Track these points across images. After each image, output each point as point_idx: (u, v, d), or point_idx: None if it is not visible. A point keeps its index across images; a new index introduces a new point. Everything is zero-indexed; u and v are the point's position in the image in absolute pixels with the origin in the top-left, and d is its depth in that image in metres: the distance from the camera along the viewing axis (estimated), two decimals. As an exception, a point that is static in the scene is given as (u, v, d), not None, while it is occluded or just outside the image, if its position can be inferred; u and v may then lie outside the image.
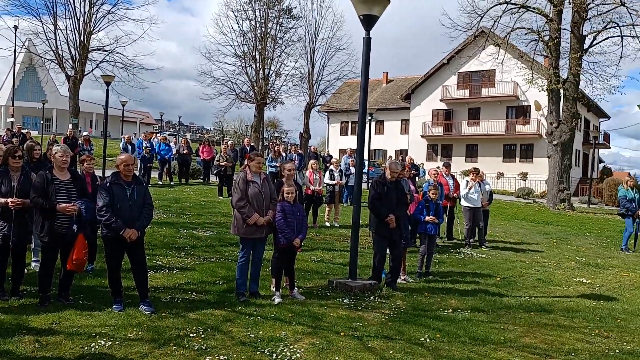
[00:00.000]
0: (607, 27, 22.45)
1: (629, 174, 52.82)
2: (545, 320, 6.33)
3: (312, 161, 13.05)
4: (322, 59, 38.86)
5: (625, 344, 5.64)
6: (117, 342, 4.70)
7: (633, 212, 12.44)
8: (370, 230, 7.65)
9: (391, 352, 4.90)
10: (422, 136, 42.90)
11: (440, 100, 42.13)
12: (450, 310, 6.49)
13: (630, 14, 21.35)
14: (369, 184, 11.71)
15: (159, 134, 26.56)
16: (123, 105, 35.22)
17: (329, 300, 6.59)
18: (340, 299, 6.62)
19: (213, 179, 20.44)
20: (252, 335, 5.09)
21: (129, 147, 18.08)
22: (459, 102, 41.43)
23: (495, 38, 24.78)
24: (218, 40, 35.96)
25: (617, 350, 5.38)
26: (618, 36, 22.57)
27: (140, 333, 4.97)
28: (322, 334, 5.28)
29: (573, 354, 5.17)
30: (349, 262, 7.40)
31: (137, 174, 8.81)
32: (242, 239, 6.46)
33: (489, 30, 24.54)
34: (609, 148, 51.66)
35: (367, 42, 7.33)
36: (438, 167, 12.34)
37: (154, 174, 19.19)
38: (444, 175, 12.15)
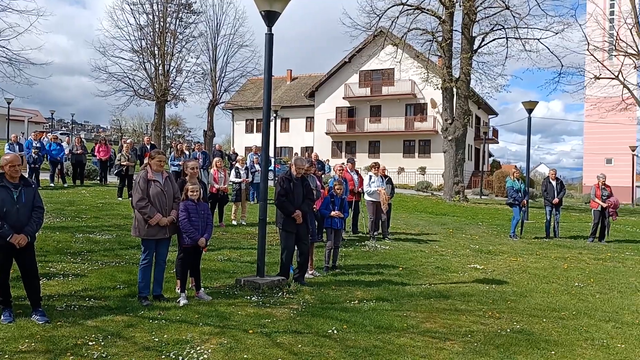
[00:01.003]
0: (494, 29, 24.08)
1: (515, 166, 57.09)
2: (443, 306, 6.68)
3: (216, 159, 12.82)
4: (224, 56, 38.21)
5: (515, 323, 6.08)
6: (6, 356, 4.35)
7: (519, 202, 13.46)
8: (277, 226, 7.66)
9: (299, 346, 4.95)
10: (327, 133, 43.64)
11: (343, 98, 43.07)
12: (357, 302, 6.66)
13: (514, 17, 23.07)
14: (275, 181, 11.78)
15: (49, 133, 24.80)
16: (9, 103, 32.62)
17: (236, 298, 6.52)
18: (249, 297, 6.58)
19: (111, 179, 19.48)
20: (157, 340, 4.91)
21: (16, 147, 16.77)
22: (361, 99, 42.61)
23: (393, 38, 25.71)
24: (113, 35, 33.99)
25: (508, 330, 5.80)
26: (503, 38, 24.30)
27: (33, 345, 4.64)
28: (230, 333, 5.22)
29: (469, 336, 5.50)
30: (257, 259, 7.36)
31: (26, 175, 8.18)
32: (143, 240, 6.21)
33: (387, 30, 25.40)
34: (498, 143, 55.52)
35: (269, 38, 7.32)
36: (343, 164, 12.60)
37: (45, 176, 17.94)
38: (349, 171, 12.43)
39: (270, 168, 25.80)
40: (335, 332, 5.38)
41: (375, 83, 42.27)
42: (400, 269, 8.97)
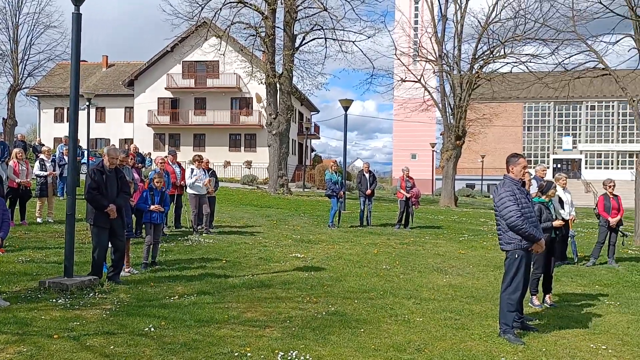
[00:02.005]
0: (314, 29, 25.14)
1: (335, 160, 60.59)
2: (265, 295, 6.83)
3: (16, 150, 11.47)
4: (28, 36, 34.16)
5: (330, 306, 6.45)
6: None
7: (337, 193, 14.30)
8: (88, 222, 7.11)
9: (112, 347, 4.66)
10: (148, 125, 41.65)
11: (165, 88, 41.46)
12: (177, 297, 6.49)
13: (331, 19, 24.33)
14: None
15: None
16: None
17: (40, 302, 5.91)
18: (54, 300, 6.00)
19: None
20: (-64, 357, 4.24)
21: None
22: (185, 91, 41.44)
23: (217, 30, 25.46)
24: None
25: (324, 313, 6.13)
26: (322, 38, 25.50)
27: None
28: (31, 339, 4.71)
29: (288, 322, 5.70)
30: (64, 259, 6.75)
31: None
32: None
33: (210, 22, 25.04)
34: (319, 138, 58.31)
35: (77, 18, 6.73)
36: (165, 156, 12.17)
37: None
38: (170, 164, 12.03)
39: (83, 161, 23.83)
40: (152, 329, 5.17)
41: (199, 75, 41.42)
42: (224, 261, 8.95)
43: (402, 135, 62.27)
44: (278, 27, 25.05)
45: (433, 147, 48.98)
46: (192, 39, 30.66)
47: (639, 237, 13.44)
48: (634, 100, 13.78)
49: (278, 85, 25.22)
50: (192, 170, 11.74)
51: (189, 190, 11.74)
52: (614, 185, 10.41)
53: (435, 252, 11.19)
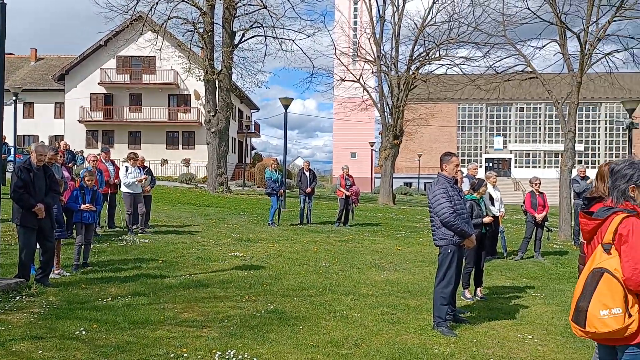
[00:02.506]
0: (253, 26, 24.97)
1: (276, 159, 60.45)
2: (203, 295, 6.74)
3: None
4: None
5: (269, 304, 6.45)
6: None
7: (277, 191, 14.28)
8: (15, 222, 6.76)
9: (40, 352, 4.46)
10: (80, 121, 40.01)
11: (99, 83, 39.95)
12: (110, 299, 6.29)
13: (271, 16, 24.24)
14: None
15: None
16: None
17: (-40, 308, 5.58)
18: (-24, 305, 5.68)
19: None
20: None
21: None
22: (120, 86, 40.10)
23: (153, 24, 24.81)
24: None
25: (263, 311, 6.12)
26: (262, 36, 25.39)
27: None
28: (-50, 348, 4.45)
29: (226, 321, 5.65)
30: (-13, 262, 6.40)
31: None
32: None
33: (146, 16, 24.36)
34: (260, 137, 58.02)
35: (1, 8, 6.38)
36: (98, 154, 11.75)
37: None
38: (103, 161, 11.64)
39: (10, 159, 22.65)
40: (83, 333, 5.00)
41: (135, 70, 40.17)
42: (160, 261, 8.75)
43: (342, 134, 62.90)
44: (217, 24, 24.74)
45: (372, 146, 49.81)
46: (127, 33, 29.69)
47: (563, 232, 14.20)
48: (558, 102, 14.54)
49: (217, 82, 24.88)
50: (127, 168, 11.40)
51: (123, 189, 11.39)
52: (540, 183, 10.97)
53: (373, 249, 11.39)
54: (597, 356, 3.30)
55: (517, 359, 4.89)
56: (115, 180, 11.73)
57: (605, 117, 62.21)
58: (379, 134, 31.68)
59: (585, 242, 3.29)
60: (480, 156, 64.69)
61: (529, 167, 62.72)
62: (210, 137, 25.03)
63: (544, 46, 14.88)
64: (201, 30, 24.07)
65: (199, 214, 16.13)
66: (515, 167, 63.62)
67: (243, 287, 7.26)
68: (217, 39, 25.03)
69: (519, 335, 5.59)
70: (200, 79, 25.58)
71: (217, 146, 24.88)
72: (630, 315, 2.80)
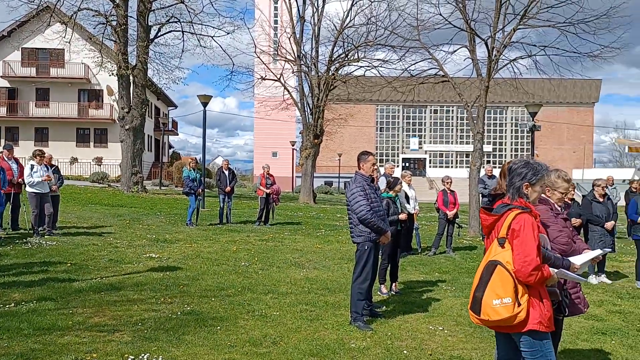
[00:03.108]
0: (170, 21, 24.26)
1: (195, 158, 59.20)
2: (115, 298, 6.47)
3: None
4: None
5: (186, 305, 6.31)
6: None
7: (195, 190, 13.96)
8: None
9: None
10: (-20, 116, 37.15)
11: (1, 76, 37.25)
12: (13, 305, 5.89)
13: (189, 11, 23.69)
14: None
15: None
16: None
17: None
18: None
19: None
20: None
21: None
22: (25, 80, 37.59)
23: (62, 16, 23.47)
24: None
25: (179, 313, 5.98)
26: (179, 31, 24.72)
27: None
28: None
29: (140, 324, 5.47)
30: None
31: None
32: None
33: (54, 6, 23.01)
34: (178, 135, 56.46)
35: None
36: (0, 151, 10.98)
37: None
38: (6, 159, 10.90)
39: None
40: (-18, 342, 4.66)
41: (42, 63, 37.81)
42: (69, 264, 8.31)
43: (263, 133, 62.64)
44: (131, 17, 23.79)
45: (293, 145, 49.99)
46: (33, 24, 27.87)
47: (472, 228, 14.96)
48: (468, 105, 15.31)
49: (131, 77, 23.97)
50: (32, 166, 10.71)
51: (28, 189, 10.70)
52: (451, 182, 11.49)
53: (293, 247, 11.45)
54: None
55: (428, 350, 5.10)
56: (20, 180, 11.01)
57: (512, 119, 66.18)
58: (300, 133, 31.84)
59: (485, 236, 3.50)
60: (398, 156, 66.77)
61: (442, 167, 65.50)
62: (125, 134, 24.06)
63: (454, 51, 15.61)
64: (114, 23, 23.06)
65: (112, 215, 15.48)
66: (430, 166, 66.23)
67: (158, 289, 7.05)
68: (132, 33, 24.12)
69: (430, 327, 5.83)
70: (113, 74, 24.52)
71: (132, 144, 23.96)
72: (519, 304, 3.01)
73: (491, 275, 3.09)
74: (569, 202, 8.62)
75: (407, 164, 65.84)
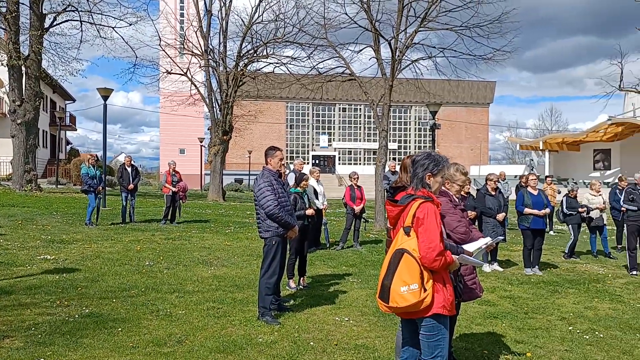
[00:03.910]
0: (67, 9, 22.81)
1: (97, 155, 56.18)
2: (5, 303, 6.03)
3: None
4: None
5: (84, 308, 6.00)
6: None
7: (95, 188, 13.29)
8: None
9: None
10: None
11: None
12: None
13: (87, 0, 22.40)
14: None
15: None
16: None
17: None
18: None
19: None
20: None
21: None
22: None
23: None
24: None
25: (77, 315, 5.68)
26: (77, 20, 23.31)
27: None
28: None
29: (33, 329, 5.14)
30: None
31: None
32: None
33: None
34: (76, 130, 53.34)
35: None
36: None
37: None
38: None
39: None
40: None
41: None
42: (-50, 270, 7.62)
43: (169, 129, 60.75)
44: (23, 4, 22.14)
45: (202, 142, 48.92)
46: None
47: (378, 222, 15.46)
48: (373, 104, 15.78)
49: (24, 68, 22.29)
50: None
51: None
52: (358, 178, 11.80)
53: (201, 245, 11.23)
54: (400, 331, 3.68)
55: (334, 340, 5.22)
56: None
57: (415, 118, 69.02)
58: (208, 129, 31.21)
59: (391, 227, 3.64)
60: (308, 153, 67.41)
61: (351, 164, 66.96)
62: (16, 129, 22.33)
63: (360, 50, 16.02)
64: (4, 10, 21.33)
65: (2, 215, 14.36)
66: (339, 164, 67.51)
67: (54, 292, 6.65)
68: (24, 21, 22.44)
69: (337, 319, 5.97)
70: (3, 64, 22.67)
71: (24, 139, 22.30)
72: (425, 290, 3.16)
73: (398, 263, 3.20)
74: (466, 195, 9.15)
75: (317, 161, 66.65)
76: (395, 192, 3.69)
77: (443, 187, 4.30)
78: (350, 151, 68.77)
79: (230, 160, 59.61)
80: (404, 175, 4.24)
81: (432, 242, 3.15)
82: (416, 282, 3.14)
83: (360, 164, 67.07)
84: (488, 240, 3.97)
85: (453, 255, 3.33)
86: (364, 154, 68.68)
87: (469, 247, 3.78)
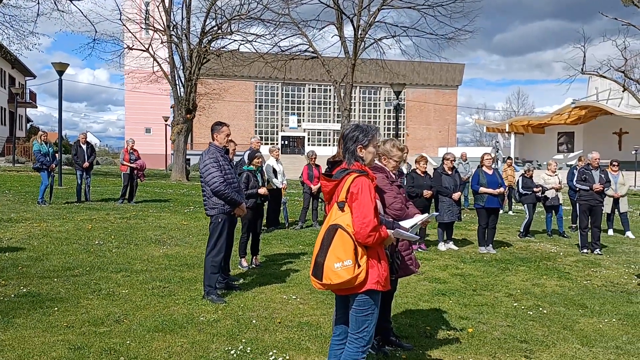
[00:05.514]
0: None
1: (46, 132, 54.51)
2: (-64, 283, 5.77)
3: None
4: None
5: (22, 287, 5.80)
6: None
7: (48, 166, 12.86)
8: None
9: None
10: None
11: None
12: None
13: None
14: None
15: None
16: None
17: None
18: None
19: None
20: None
21: None
22: None
23: None
24: None
25: (13, 295, 5.48)
26: (34, -8, 22.40)
27: None
28: None
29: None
30: None
31: None
32: None
33: None
34: (36, 107, 51.66)
35: None
36: None
37: None
38: None
39: None
40: None
41: None
42: None
43: (135, 108, 59.35)
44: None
45: (166, 120, 48.00)
46: None
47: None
48: (337, 83, 15.66)
49: (-25, 41, 21.39)
50: None
51: None
52: (316, 157, 11.68)
53: (157, 224, 10.99)
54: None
55: (278, 318, 5.15)
56: None
57: (384, 100, 69.09)
58: (171, 107, 30.57)
59: (326, 202, 3.55)
60: (277, 134, 66.91)
61: (320, 145, 66.75)
62: (-32, 105, 21.49)
63: (322, 27, 15.82)
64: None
65: (-50, 194, 13.84)
66: (309, 144, 67.18)
67: (-11, 272, 6.40)
68: (-26, -9, 21.43)
69: (284, 297, 5.90)
70: (-49, 36, 21.72)
71: (-22, 116, 21.48)
72: (359, 266, 3.08)
73: (332, 239, 3.11)
74: (422, 174, 9.15)
75: (286, 142, 66.27)
76: (333, 167, 3.60)
77: (380, 163, 4.22)
78: (320, 132, 68.54)
79: (198, 140, 58.85)
80: (340, 150, 4.14)
81: (366, 217, 3.06)
82: (350, 258, 3.06)
83: (329, 145, 66.97)
84: (425, 216, 3.92)
85: (388, 230, 3.26)
86: (334, 135, 68.52)
87: (406, 223, 3.72)
